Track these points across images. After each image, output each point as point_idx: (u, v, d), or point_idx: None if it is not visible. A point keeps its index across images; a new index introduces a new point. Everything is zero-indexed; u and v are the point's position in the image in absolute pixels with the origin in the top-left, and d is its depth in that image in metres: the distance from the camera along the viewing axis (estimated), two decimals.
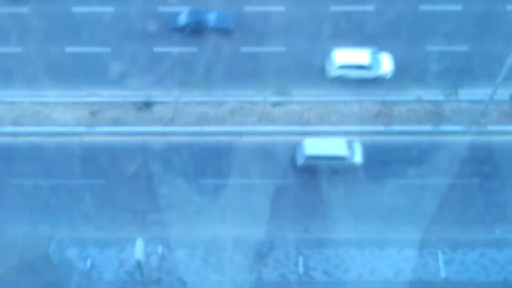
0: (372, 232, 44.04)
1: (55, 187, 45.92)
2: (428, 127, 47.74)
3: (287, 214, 44.58)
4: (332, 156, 44.81)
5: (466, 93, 48.06)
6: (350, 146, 45.42)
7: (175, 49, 51.29)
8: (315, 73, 50.14)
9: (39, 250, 43.71)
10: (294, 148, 46.72)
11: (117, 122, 48.08)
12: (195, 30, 51.79)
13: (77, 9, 53.20)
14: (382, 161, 46.42)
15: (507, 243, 43.51)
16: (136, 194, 45.65)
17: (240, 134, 47.46)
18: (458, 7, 52.67)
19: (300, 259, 42.85)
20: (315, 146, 45.09)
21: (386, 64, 49.60)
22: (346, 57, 49.41)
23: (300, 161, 45.33)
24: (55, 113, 48.70)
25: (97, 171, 46.55)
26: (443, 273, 42.35)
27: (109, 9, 53.04)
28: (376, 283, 42.03)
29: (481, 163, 46.58)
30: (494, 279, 42.20)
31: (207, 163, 46.58)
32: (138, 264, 40.18)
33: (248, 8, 53.07)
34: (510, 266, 42.71)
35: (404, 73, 49.05)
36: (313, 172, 45.87)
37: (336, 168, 45.43)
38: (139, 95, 48.68)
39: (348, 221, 44.43)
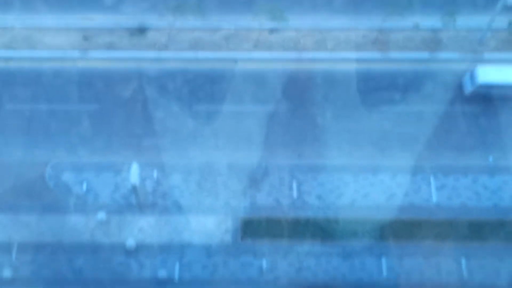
0: (366, 158, 43.78)
1: (50, 112, 45.59)
2: (424, 54, 47.07)
3: (281, 140, 44.38)
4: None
5: (464, 21, 47.08)
6: None
7: None
8: None
9: (35, 174, 43.63)
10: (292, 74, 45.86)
11: (110, 47, 47.30)
12: None
13: None
14: (378, 87, 45.97)
15: (499, 169, 43.58)
16: (131, 119, 45.38)
17: (235, 60, 46.63)
18: None
19: (294, 184, 42.69)
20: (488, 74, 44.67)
21: None
22: None
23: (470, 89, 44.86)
24: (48, 38, 47.80)
25: (91, 96, 46.25)
26: (435, 198, 42.47)
27: None
28: (368, 208, 42.10)
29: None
30: (485, 204, 42.41)
31: (201, 89, 46.17)
32: (134, 188, 40.15)
33: None
34: (501, 192, 42.85)
35: None
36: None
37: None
38: (133, 20, 47.56)
39: (342, 147, 44.08)
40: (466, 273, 40.50)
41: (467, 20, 47.74)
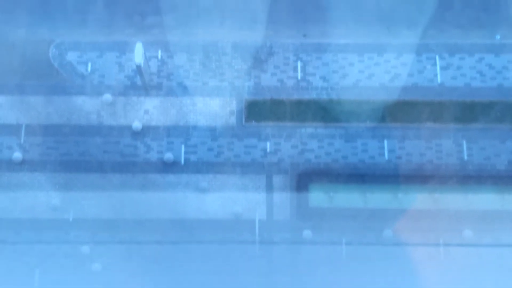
0: (371, 37, 40.54)
1: None
2: None
3: (286, 19, 40.91)
4: None
5: None
6: None
7: None
8: None
9: (39, 53, 41.03)
10: None
11: None
12: None
13: None
14: None
15: (506, 48, 40.56)
16: None
17: None
18: None
19: (299, 65, 39.77)
20: None
21: None
22: None
23: None
24: None
25: None
26: (439, 78, 39.56)
27: None
28: (373, 89, 39.64)
29: None
30: (489, 84, 39.84)
31: None
32: (138, 69, 37.53)
33: None
34: (506, 72, 40.07)
35: None
36: None
37: None
38: None
39: (347, 26, 40.60)
40: (466, 155, 38.41)
41: None
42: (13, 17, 41.91)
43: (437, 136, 39.17)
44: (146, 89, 39.90)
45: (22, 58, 41.09)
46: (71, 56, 40.87)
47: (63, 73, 40.70)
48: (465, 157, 38.93)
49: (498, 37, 41.28)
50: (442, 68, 40.58)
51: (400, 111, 39.60)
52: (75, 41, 41.31)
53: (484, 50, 40.98)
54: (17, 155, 38.64)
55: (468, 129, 39.38)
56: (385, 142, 39.03)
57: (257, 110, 39.54)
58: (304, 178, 38.67)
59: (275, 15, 41.44)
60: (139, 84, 39.88)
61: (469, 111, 39.61)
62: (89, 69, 40.60)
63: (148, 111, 39.61)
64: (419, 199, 38.31)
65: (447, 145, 39.13)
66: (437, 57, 40.81)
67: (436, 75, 40.57)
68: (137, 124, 39.18)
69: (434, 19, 41.52)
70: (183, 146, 39.15)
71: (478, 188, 38.39)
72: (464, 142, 39.11)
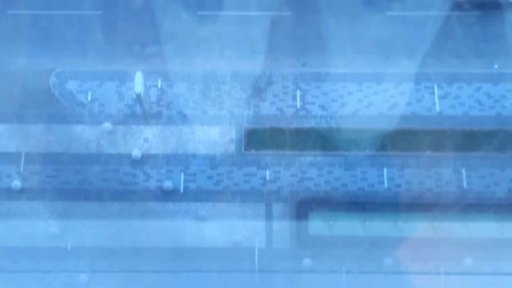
0: (370, 66, 40.69)
1: (52, 17, 42.05)
2: None
3: (285, 48, 41.15)
4: None
5: None
6: None
7: None
8: None
9: (40, 82, 41.28)
10: None
11: None
12: None
13: None
14: None
15: (504, 77, 40.75)
16: (134, 26, 42.22)
17: None
18: None
19: (298, 93, 39.87)
20: None
21: None
22: None
23: None
24: None
25: (93, 1, 42.18)
26: (438, 107, 39.62)
27: None
28: (372, 117, 39.65)
29: None
30: (487, 113, 39.95)
31: None
32: (138, 98, 37.58)
33: None
34: (504, 101, 40.22)
35: None
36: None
37: None
38: None
39: (346, 55, 40.81)
40: (466, 183, 38.25)
41: None
42: (14, 46, 42.23)
43: (437, 165, 39.09)
44: (145, 118, 39.92)
45: (22, 87, 41.25)
46: (72, 85, 41.01)
47: (63, 102, 40.79)
48: (465, 186, 38.80)
49: (496, 66, 41.52)
50: (440, 97, 40.72)
51: (399, 140, 39.60)
52: (75, 70, 41.52)
53: (482, 80, 41.17)
54: (16, 183, 38.49)
55: (467, 157, 39.32)
56: (385, 170, 38.93)
57: (257, 139, 39.52)
58: (304, 206, 38.48)
59: (274, 44, 41.72)
60: (139, 113, 39.92)
61: (468, 139, 39.60)
62: (89, 98, 40.70)
63: (148, 139, 39.57)
64: (419, 228, 38.07)
65: (446, 173, 39.04)
66: (435, 86, 40.97)
67: (434, 104, 40.68)
68: (136, 153, 39.12)
69: (432, 49, 41.83)
70: (182, 174, 39.02)
71: (478, 217, 38.19)
72: (464, 171, 39.01)
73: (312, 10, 42.62)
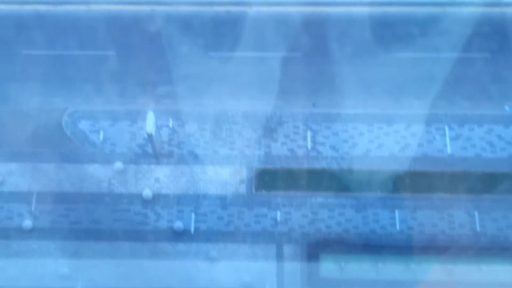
0: (381, 107, 40.76)
1: (66, 57, 42.46)
2: None
3: (295, 88, 41.29)
4: None
5: None
6: None
7: None
8: None
9: (52, 121, 41.46)
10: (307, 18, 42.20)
11: None
12: None
13: None
14: (392, 33, 42.18)
15: None
16: (146, 66, 42.31)
17: (249, 3, 42.84)
18: None
19: (309, 134, 39.81)
20: None
21: None
22: None
23: None
24: None
25: (107, 41, 42.78)
26: (449, 149, 39.43)
27: None
28: (383, 158, 39.43)
29: (493, 36, 42.03)
30: (499, 155, 39.58)
31: (216, 35, 42.40)
32: (150, 137, 37.61)
33: None
34: None
35: None
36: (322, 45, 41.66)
37: None
38: None
39: (356, 96, 40.90)
40: (479, 226, 37.86)
41: None
42: (28, 85, 42.56)
43: (449, 207, 38.80)
44: (157, 158, 39.94)
45: (35, 126, 41.47)
46: (84, 125, 41.15)
47: (76, 141, 40.88)
48: (478, 228, 38.44)
49: (507, 108, 41.48)
50: (451, 138, 40.61)
51: (410, 181, 39.40)
52: (88, 109, 41.70)
53: (493, 121, 41.14)
54: (28, 222, 38.39)
55: (479, 199, 39.03)
56: (396, 212, 38.65)
57: (267, 179, 39.40)
58: (315, 248, 38.16)
59: (284, 85, 41.89)
60: (150, 153, 39.96)
61: (480, 182, 39.37)
62: (101, 137, 40.80)
63: (159, 179, 39.51)
64: (432, 270, 37.60)
65: (459, 216, 38.72)
66: (446, 128, 40.89)
67: (445, 145, 40.57)
68: (147, 192, 39.02)
69: (442, 90, 41.88)
70: (193, 215, 38.86)
71: (492, 260, 37.73)
72: (476, 213, 38.70)
73: (323, 51, 42.84)
